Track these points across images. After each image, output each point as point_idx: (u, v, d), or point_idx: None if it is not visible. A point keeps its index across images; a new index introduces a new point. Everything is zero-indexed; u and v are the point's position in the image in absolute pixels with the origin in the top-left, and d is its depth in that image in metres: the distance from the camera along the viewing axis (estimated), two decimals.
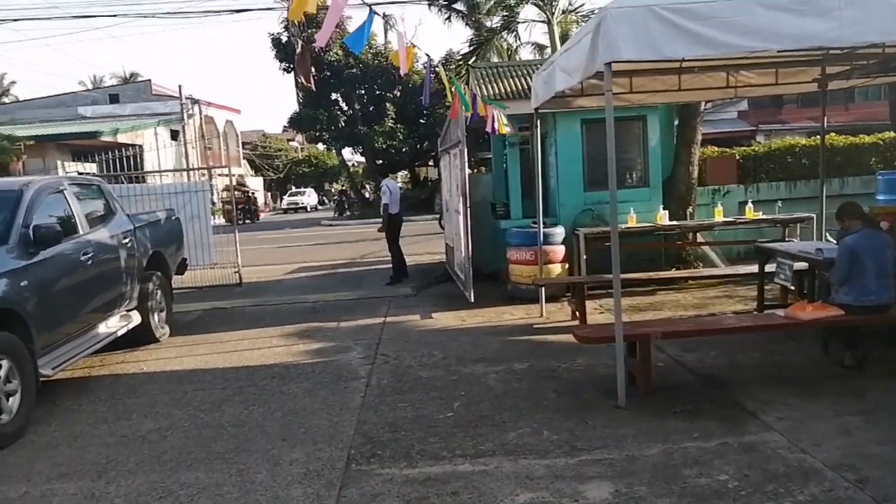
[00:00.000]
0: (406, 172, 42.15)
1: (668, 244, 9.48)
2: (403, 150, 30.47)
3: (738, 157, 11.45)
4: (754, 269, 7.03)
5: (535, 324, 7.31)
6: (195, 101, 39.90)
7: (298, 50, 11.25)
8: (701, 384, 5.08)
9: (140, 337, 7.23)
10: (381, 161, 28.46)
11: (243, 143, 55.52)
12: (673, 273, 8.90)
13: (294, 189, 51.48)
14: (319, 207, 49.57)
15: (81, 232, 6.20)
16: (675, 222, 9.02)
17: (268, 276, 12.35)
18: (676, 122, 10.06)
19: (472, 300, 8.12)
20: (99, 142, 29.39)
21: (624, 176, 9.49)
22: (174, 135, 38.58)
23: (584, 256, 8.66)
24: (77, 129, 29.62)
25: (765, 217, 8.72)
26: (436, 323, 7.64)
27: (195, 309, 9.43)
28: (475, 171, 17.32)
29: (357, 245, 16.69)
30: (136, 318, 6.98)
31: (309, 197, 48.81)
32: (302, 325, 8.01)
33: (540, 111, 7.65)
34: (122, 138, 30.52)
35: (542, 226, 7.79)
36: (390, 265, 10.94)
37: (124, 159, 11.48)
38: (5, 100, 50.11)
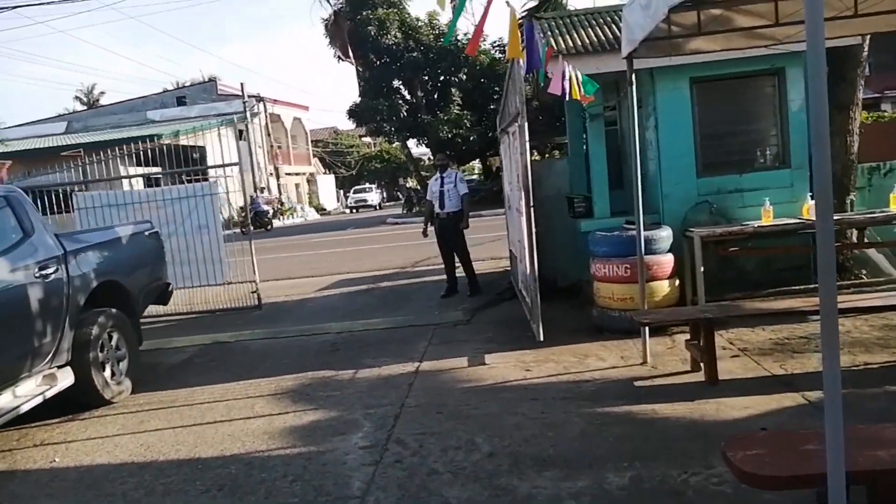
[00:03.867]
0: (477, 163, 39.86)
1: None
2: (471, 138, 28.04)
3: None
4: None
5: (635, 378, 4.85)
6: (259, 99, 38.94)
7: (331, 20, 9.09)
8: None
9: (85, 398, 5.30)
10: (448, 152, 26.21)
11: (314, 141, 54.73)
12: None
13: (358, 186, 49.57)
14: (386, 205, 48.07)
15: None
16: None
17: (297, 292, 10.33)
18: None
19: (542, 338, 5.72)
20: (160, 144, 28.73)
21: (753, 154, 6.83)
22: (240, 135, 37.80)
23: (702, 268, 6.12)
24: (137, 134, 29.01)
25: None
26: (488, 374, 5.31)
27: (191, 345, 7.48)
28: (546, 156, 14.73)
29: (415, 247, 14.45)
30: (67, 378, 5.02)
31: (374, 194, 46.79)
32: (307, 374, 5.86)
33: (634, 64, 5.16)
34: (183, 140, 29.72)
35: (641, 227, 5.31)
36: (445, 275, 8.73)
37: (189, 162, 9.88)
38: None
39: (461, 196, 8.29)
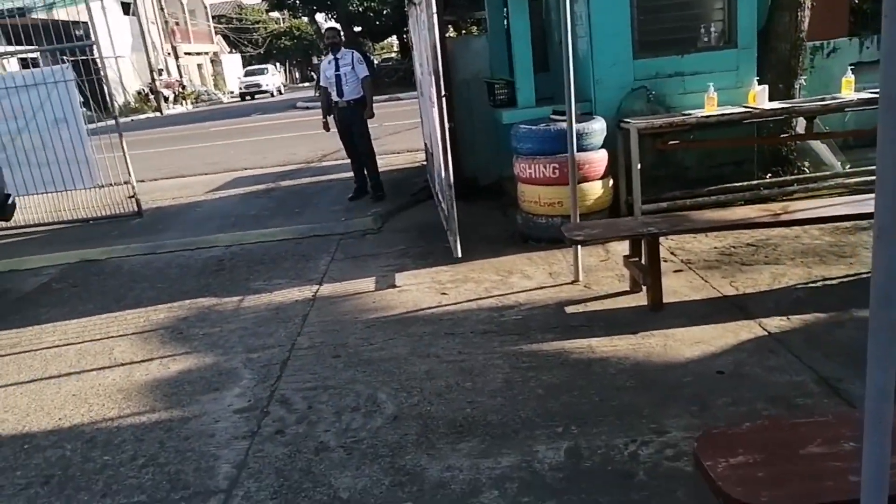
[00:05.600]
0: (395, 40, 37.45)
1: (766, 139, 6.12)
2: (385, 12, 25.83)
3: None
4: None
5: (566, 301, 4.18)
6: None
7: None
8: None
9: None
10: (359, 28, 24.13)
11: (216, 17, 50.01)
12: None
13: (251, 67, 41.32)
14: (300, 86, 44.48)
15: None
16: (778, 103, 5.65)
17: (187, 194, 9.09)
18: None
19: (460, 255, 4.93)
20: (33, 20, 25.10)
21: (696, 31, 5.97)
22: (127, 8, 33.81)
23: (639, 165, 5.41)
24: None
25: None
26: (398, 300, 4.52)
27: (50, 265, 6.33)
28: (463, 33, 13.41)
29: (326, 136, 13.23)
30: None
31: (271, 76, 38.97)
32: (184, 303, 4.92)
33: None
34: (61, 14, 26.10)
35: (573, 120, 4.45)
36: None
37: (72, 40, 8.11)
38: None
39: (361, 80, 7.12)
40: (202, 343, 4.16)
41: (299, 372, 3.62)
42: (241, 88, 37.89)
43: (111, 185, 7.89)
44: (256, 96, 36.25)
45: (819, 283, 4.00)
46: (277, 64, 50.10)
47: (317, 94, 28.15)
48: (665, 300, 3.90)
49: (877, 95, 5.34)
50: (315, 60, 51.28)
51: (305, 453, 2.86)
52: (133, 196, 7.86)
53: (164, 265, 5.98)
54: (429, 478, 2.60)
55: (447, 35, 7.10)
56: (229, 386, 3.56)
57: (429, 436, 2.88)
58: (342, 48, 7.27)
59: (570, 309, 4.05)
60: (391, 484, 2.59)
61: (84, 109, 7.84)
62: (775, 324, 3.52)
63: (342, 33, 7.84)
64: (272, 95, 36.65)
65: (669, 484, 2.39)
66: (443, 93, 4.68)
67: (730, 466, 1.72)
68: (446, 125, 4.81)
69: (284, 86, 43.26)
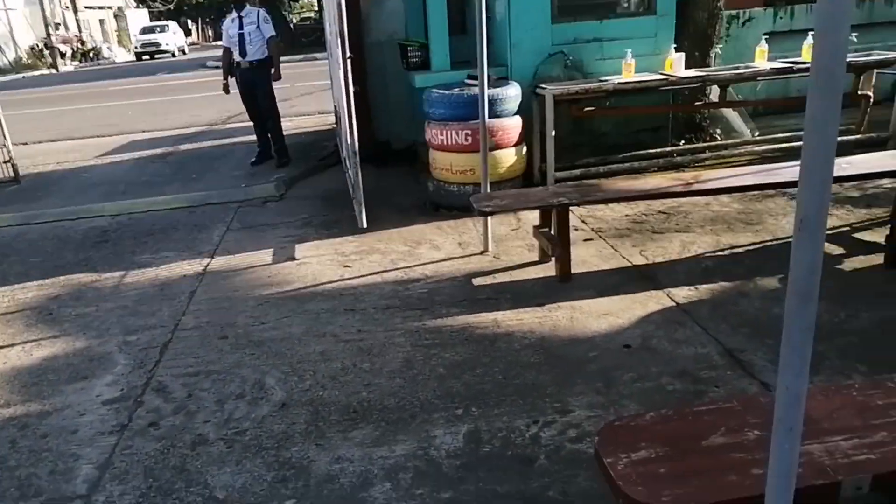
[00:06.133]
0: None
1: (681, 106, 6.09)
2: None
3: None
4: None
5: (474, 272, 3.99)
6: None
7: None
8: None
9: None
10: None
11: None
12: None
13: (147, 24, 36.29)
14: (210, 44, 41.78)
15: None
16: (694, 71, 5.60)
17: (75, 158, 8.33)
18: None
19: (365, 225, 4.65)
20: None
21: None
22: None
23: (553, 132, 5.25)
24: None
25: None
26: (296, 274, 4.21)
27: None
28: None
29: (233, 98, 12.55)
30: None
31: (172, 35, 33.71)
32: (59, 279, 4.44)
33: None
34: None
35: (485, 86, 4.22)
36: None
37: None
38: None
39: (266, 40, 6.62)
40: (73, 325, 3.74)
41: (181, 356, 3.28)
42: (136, 48, 33.19)
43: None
44: (156, 56, 31.98)
45: (727, 252, 3.97)
46: (189, 20, 47.31)
47: None
48: (574, 270, 3.77)
49: (788, 65, 5.34)
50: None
51: (180, 448, 2.57)
52: (9, 161, 7.11)
53: (38, 237, 5.41)
54: (316, 471, 2.37)
55: None
56: (100, 374, 3.19)
57: (319, 424, 2.63)
58: (247, 5, 6.73)
59: (477, 281, 3.87)
60: (274, 480, 2.34)
61: None
62: (683, 294, 3.45)
63: None
64: (173, 56, 32.19)
65: (571, 468, 2.25)
66: (348, 54, 4.34)
67: (631, 463, 1.56)
68: (351, 89, 4.48)
69: (190, 45, 39.92)
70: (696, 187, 3.92)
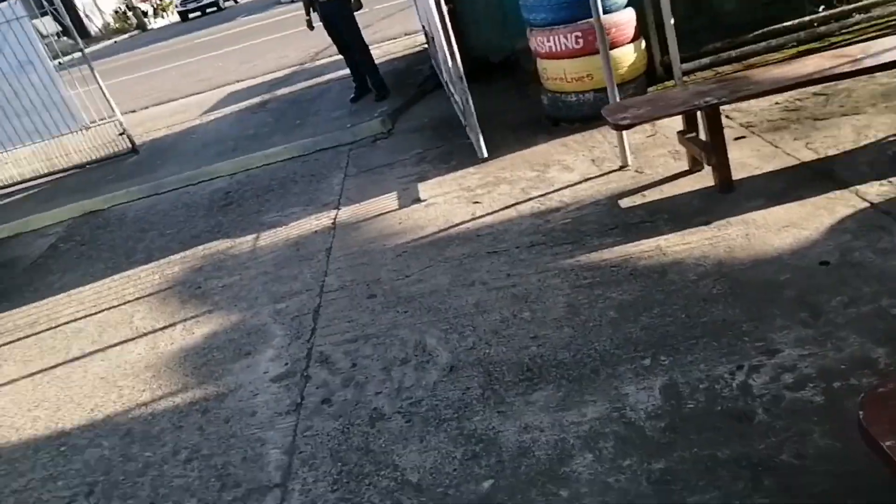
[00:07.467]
0: None
1: None
2: None
3: None
4: None
5: (619, 193, 3.66)
6: None
7: None
8: None
9: None
10: None
11: None
12: None
13: None
14: None
15: None
16: None
17: (180, 119, 8.45)
18: None
19: (486, 154, 4.36)
20: None
21: None
22: None
23: (671, 20, 4.65)
24: None
25: None
26: (426, 217, 4.04)
27: (54, 223, 5.95)
28: None
29: (315, 33, 12.31)
30: None
31: None
32: (197, 250, 4.52)
33: None
34: None
35: None
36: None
37: None
38: None
39: None
40: (223, 297, 3.78)
41: (334, 321, 3.23)
42: (178, 5, 29.78)
43: (97, 123, 7.29)
44: (207, 11, 28.60)
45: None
46: None
47: None
48: (734, 177, 3.37)
49: None
50: None
51: (359, 426, 2.52)
52: (123, 133, 7.28)
53: (169, 207, 5.54)
54: (506, 444, 2.25)
55: None
56: (261, 348, 3.20)
57: (495, 387, 2.50)
58: None
59: (624, 202, 3.55)
60: (464, 457, 2.25)
61: (66, 39, 7.12)
62: (875, 191, 2.99)
63: None
64: (219, 7, 28.85)
65: (799, 423, 1.99)
66: None
67: None
68: (444, 7, 4.12)
69: None
70: (868, 63, 3.33)
